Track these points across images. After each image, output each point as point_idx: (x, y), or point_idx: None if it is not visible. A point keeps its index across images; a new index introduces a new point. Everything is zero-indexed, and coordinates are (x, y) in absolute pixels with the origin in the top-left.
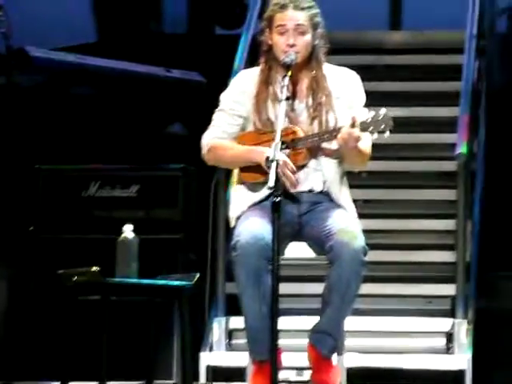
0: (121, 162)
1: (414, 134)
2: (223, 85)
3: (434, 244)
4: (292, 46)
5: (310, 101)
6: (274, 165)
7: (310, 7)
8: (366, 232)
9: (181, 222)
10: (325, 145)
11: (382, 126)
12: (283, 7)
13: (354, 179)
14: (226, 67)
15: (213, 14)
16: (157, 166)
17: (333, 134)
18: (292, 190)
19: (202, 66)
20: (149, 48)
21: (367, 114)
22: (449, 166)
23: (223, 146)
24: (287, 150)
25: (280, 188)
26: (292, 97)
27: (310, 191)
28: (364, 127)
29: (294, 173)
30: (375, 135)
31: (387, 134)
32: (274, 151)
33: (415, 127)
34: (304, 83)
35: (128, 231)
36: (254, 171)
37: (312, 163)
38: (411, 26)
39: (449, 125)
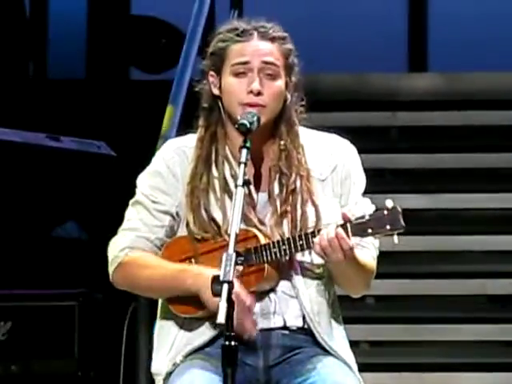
0: None
1: (445, 236)
2: (142, 160)
3: None
4: (258, 93)
5: (277, 188)
6: (225, 289)
7: (283, 38)
8: None
9: (77, 378)
10: (301, 257)
11: (388, 227)
12: (244, 34)
13: (355, 307)
14: (147, 131)
15: (126, 50)
16: (40, 290)
17: (312, 239)
18: (247, 337)
19: (109, 130)
20: (23, 101)
21: (366, 209)
22: None
23: (140, 262)
24: (240, 267)
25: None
26: (249, 182)
27: (284, 329)
28: (359, 229)
29: (250, 311)
30: (377, 240)
31: (396, 238)
32: (224, 267)
33: (444, 226)
34: (268, 161)
35: None
36: (190, 300)
37: (283, 286)
38: (441, 67)
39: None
